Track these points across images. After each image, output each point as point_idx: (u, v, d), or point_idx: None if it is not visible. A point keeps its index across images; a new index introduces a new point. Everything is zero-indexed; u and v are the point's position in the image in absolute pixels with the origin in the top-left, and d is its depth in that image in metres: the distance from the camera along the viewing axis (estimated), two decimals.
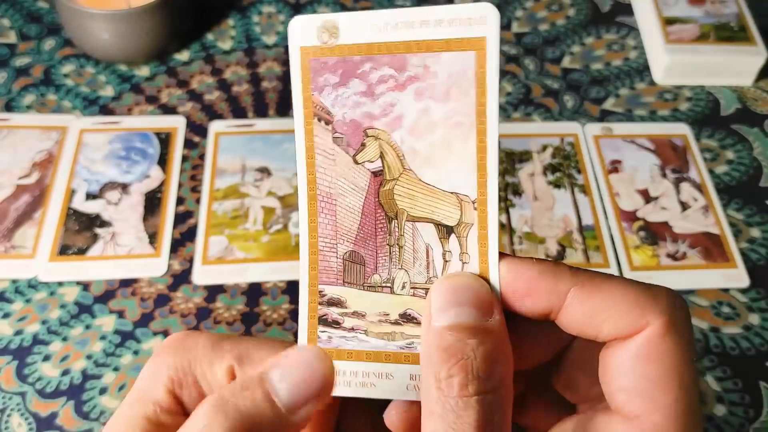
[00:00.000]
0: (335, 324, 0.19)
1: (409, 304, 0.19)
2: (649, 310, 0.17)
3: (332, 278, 0.19)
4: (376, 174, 0.19)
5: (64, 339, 0.43)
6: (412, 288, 0.19)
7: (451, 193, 0.19)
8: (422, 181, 0.19)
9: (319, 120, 0.19)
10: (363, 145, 0.19)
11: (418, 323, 0.19)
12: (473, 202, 0.18)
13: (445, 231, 0.19)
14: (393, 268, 0.19)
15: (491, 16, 0.18)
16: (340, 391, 0.20)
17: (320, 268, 0.19)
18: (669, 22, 0.57)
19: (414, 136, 0.19)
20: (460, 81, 0.18)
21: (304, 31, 0.19)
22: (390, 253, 0.19)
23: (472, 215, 0.18)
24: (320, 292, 0.19)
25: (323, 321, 0.20)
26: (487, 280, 0.18)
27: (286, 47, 0.58)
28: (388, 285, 0.19)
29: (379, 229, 0.19)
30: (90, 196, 0.49)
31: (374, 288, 0.19)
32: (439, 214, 0.19)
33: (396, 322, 0.19)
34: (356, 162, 0.19)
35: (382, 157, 0.19)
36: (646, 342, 0.17)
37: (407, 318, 0.19)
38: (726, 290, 0.46)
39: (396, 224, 0.19)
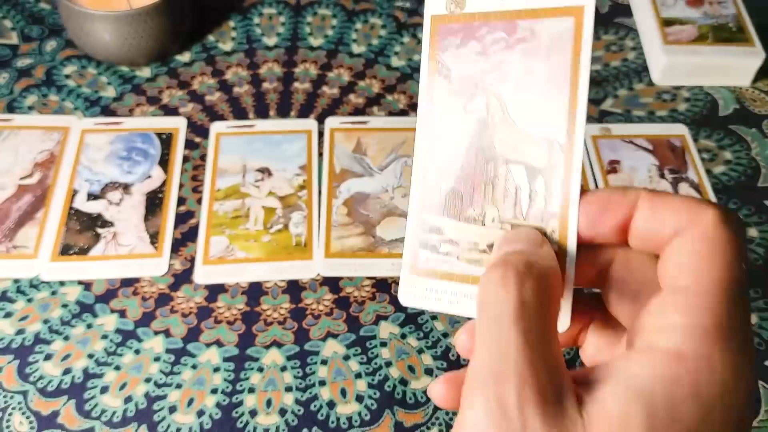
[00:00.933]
0: (433, 248, 0.23)
1: (496, 237, 0.22)
2: (706, 206, 0.19)
3: (435, 210, 0.23)
4: (481, 122, 0.22)
5: (66, 338, 0.43)
6: (500, 222, 0.22)
7: (544, 138, 0.21)
8: (519, 128, 0.22)
9: (440, 75, 0.23)
10: (473, 95, 0.22)
11: None
12: (561, 146, 0.21)
13: (534, 173, 0.21)
14: (485, 204, 0.22)
15: None
16: (432, 305, 0.22)
17: (426, 201, 0.23)
18: (667, 23, 0.57)
19: (518, 89, 0.22)
20: (560, 43, 0.21)
21: (435, 2, 0.23)
22: (484, 191, 0.22)
23: (560, 158, 0.21)
24: (425, 220, 0.23)
25: (424, 245, 0.23)
26: (567, 215, 0.21)
27: (287, 48, 0.58)
28: (481, 218, 0.22)
29: (478, 170, 0.22)
30: (91, 196, 0.49)
31: (468, 220, 0.22)
32: (531, 157, 0.21)
33: (483, 251, 0.22)
34: (466, 111, 0.22)
35: (487, 107, 0.22)
36: (700, 227, 0.19)
37: (492, 249, 0.22)
38: None
39: (493, 165, 0.22)
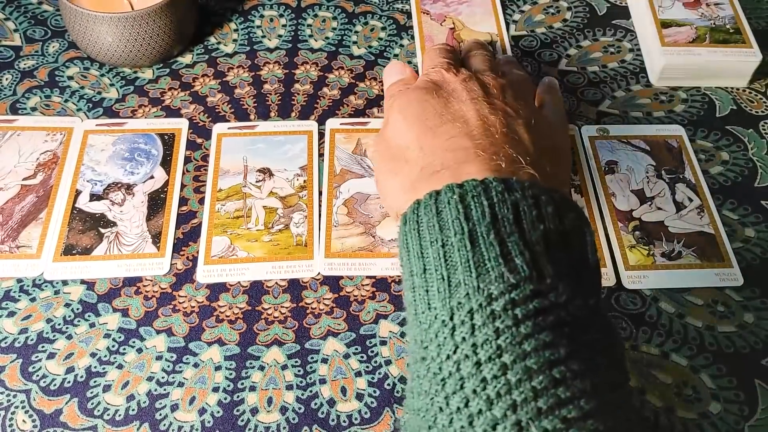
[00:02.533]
0: None
1: None
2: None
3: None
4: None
5: (69, 337, 0.43)
6: None
7: None
8: None
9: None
10: None
11: None
12: None
13: None
14: None
15: None
16: None
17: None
18: (665, 24, 0.58)
19: None
20: None
21: None
22: None
23: None
24: None
25: None
26: None
27: (287, 50, 0.59)
28: None
29: None
30: (94, 197, 0.49)
31: None
32: None
33: None
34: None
35: None
36: None
37: None
38: (721, 289, 0.47)
39: None
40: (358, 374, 0.43)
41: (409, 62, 0.59)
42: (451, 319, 0.24)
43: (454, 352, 0.23)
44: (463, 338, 0.23)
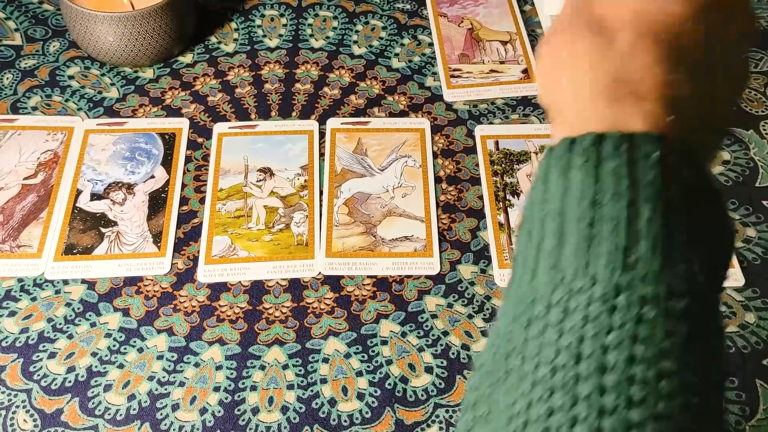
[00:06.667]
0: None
1: None
2: None
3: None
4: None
5: (70, 337, 0.43)
6: None
7: None
8: None
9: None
10: None
11: None
12: None
13: None
14: None
15: None
16: None
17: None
18: None
19: None
20: None
21: None
22: None
23: None
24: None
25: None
26: None
27: (287, 50, 0.59)
28: None
29: None
30: (95, 196, 0.49)
31: None
32: None
33: None
34: None
35: None
36: None
37: None
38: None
39: None
40: (359, 374, 0.43)
41: (410, 61, 0.58)
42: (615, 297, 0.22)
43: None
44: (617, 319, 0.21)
